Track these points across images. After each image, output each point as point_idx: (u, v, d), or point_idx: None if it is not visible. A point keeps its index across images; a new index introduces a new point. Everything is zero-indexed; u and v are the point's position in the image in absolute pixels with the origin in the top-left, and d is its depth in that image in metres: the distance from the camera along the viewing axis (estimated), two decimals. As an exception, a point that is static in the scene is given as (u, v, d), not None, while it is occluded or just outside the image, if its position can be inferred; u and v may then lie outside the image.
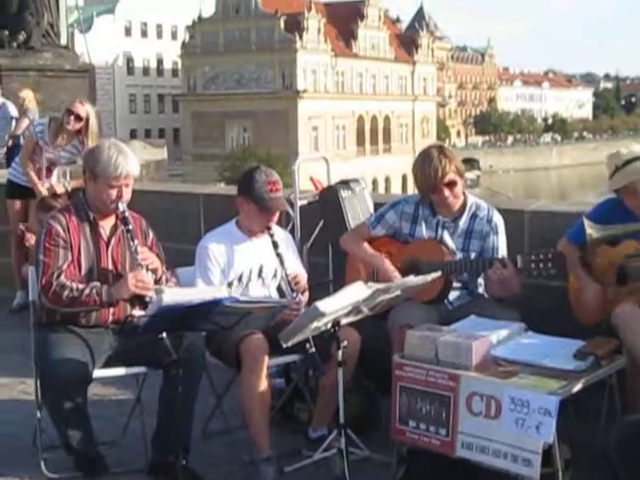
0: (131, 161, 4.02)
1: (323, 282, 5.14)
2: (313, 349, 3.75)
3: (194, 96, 69.26)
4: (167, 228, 5.02)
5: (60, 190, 6.84)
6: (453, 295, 4.36)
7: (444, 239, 4.35)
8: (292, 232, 5.14)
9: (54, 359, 3.82)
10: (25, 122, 10.70)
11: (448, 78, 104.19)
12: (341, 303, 3.48)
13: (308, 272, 4.56)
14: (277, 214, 4.33)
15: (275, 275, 4.39)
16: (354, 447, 4.00)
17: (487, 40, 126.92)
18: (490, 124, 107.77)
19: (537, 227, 4.81)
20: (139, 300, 4.01)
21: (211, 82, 69.08)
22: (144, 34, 79.68)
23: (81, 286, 3.92)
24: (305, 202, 5.50)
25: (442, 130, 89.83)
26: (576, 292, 4.23)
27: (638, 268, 3.97)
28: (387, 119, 76.54)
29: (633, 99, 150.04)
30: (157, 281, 4.07)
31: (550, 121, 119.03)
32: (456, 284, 4.35)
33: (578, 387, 3.39)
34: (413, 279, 3.82)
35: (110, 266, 4.05)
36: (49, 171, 7.03)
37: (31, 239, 6.53)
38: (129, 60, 78.13)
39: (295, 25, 66.24)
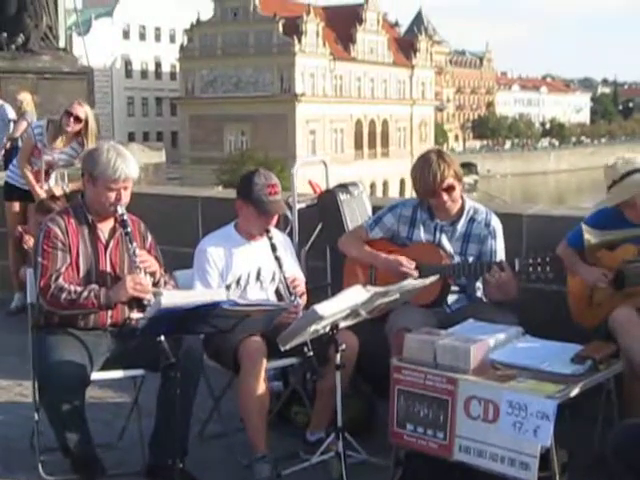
0: (130, 164, 4.03)
1: (321, 285, 5.14)
2: (311, 352, 3.75)
3: (192, 99, 69.25)
4: (165, 231, 5.02)
5: (59, 192, 6.84)
6: (451, 299, 4.36)
7: (442, 243, 4.35)
8: (290, 235, 5.15)
9: (52, 361, 3.82)
10: (23, 125, 10.70)
11: (446, 82, 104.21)
12: (339, 306, 3.49)
13: (306, 275, 4.56)
14: (276, 217, 4.33)
15: (273, 278, 4.39)
16: (352, 450, 4.00)
17: (485, 44, 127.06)
18: (488, 128, 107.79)
19: (535, 231, 4.82)
20: (137, 303, 4.02)
21: (209, 85, 69.08)
22: (142, 37, 79.66)
23: (79, 289, 3.92)
24: (303, 205, 5.50)
25: (440, 134, 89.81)
26: (574, 295, 4.24)
27: (636, 273, 3.98)
28: (385, 123, 76.55)
29: (631, 104, 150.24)
30: (155, 284, 4.08)
31: (548, 126, 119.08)
32: (454, 288, 4.35)
33: (576, 391, 3.39)
34: (411, 282, 3.82)
35: (108, 269, 4.05)
36: (47, 174, 7.03)
37: (29, 241, 6.53)
38: (127, 63, 78.08)
39: (293, 29, 66.24)
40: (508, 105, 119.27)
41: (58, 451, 4.03)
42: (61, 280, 3.92)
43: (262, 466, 3.95)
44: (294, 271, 4.39)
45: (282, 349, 3.63)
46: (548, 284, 4.21)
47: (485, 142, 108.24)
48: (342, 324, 3.69)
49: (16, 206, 7.25)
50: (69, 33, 17.96)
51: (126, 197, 4.05)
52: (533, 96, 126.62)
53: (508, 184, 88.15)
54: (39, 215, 6.25)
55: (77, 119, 6.80)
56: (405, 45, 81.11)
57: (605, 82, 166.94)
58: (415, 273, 4.22)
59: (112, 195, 4.00)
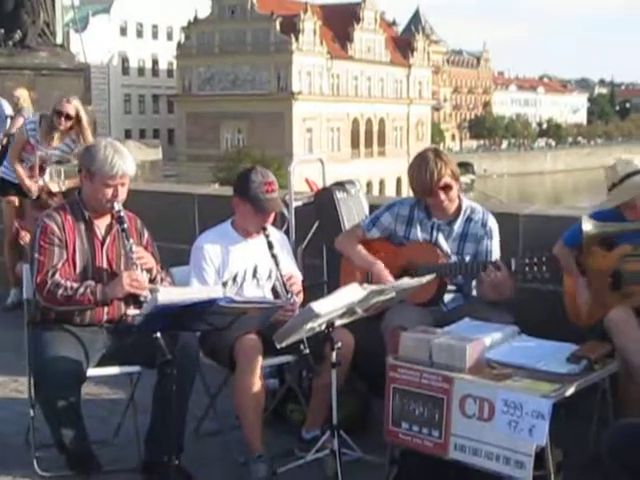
0: (127, 160, 4.03)
1: (318, 283, 5.14)
2: (307, 350, 3.76)
3: (189, 97, 69.25)
4: (162, 228, 5.01)
5: (54, 188, 6.83)
6: (447, 298, 4.36)
7: (439, 242, 4.35)
8: (287, 233, 5.14)
9: (48, 357, 3.82)
10: (20, 121, 10.63)
11: (443, 82, 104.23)
12: (335, 304, 3.49)
13: (303, 273, 4.56)
14: (272, 215, 4.34)
15: (270, 276, 4.39)
16: (347, 448, 4.01)
17: (483, 44, 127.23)
18: (485, 128, 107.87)
19: (532, 231, 4.82)
20: (134, 299, 4.02)
21: (206, 83, 69.06)
22: (139, 34, 79.55)
23: (76, 285, 3.92)
24: (300, 203, 5.50)
25: (437, 134, 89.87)
26: (570, 295, 4.24)
27: (633, 273, 3.98)
28: (382, 122, 76.56)
29: (627, 105, 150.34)
30: (152, 280, 4.08)
31: (545, 126, 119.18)
32: (450, 287, 4.36)
33: (571, 390, 3.40)
34: (408, 281, 3.83)
35: (105, 265, 4.05)
36: (42, 169, 7.02)
37: (26, 237, 6.53)
38: (124, 60, 77.96)
39: (291, 27, 66.22)
40: (505, 105, 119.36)
41: (53, 447, 4.03)
42: (57, 276, 3.92)
43: (258, 466, 3.96)
44: (290, 269, 4.39)
45: (278, 347, 3.63)
46: (544, 284, 4.22)
47: (482, 142, 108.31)
48: (338, 322, 3.70)
49: (13, 201, 7.24)
50: (66, 30, 17.91)
51: (123, 194, 4.05)
52: (530, 96, 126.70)
53: (505, 184, 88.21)
54: (36, 211, 6.26)
55: (68, 116, 6.79)
56: (402, 44, 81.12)
57: (602, 83, 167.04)
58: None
59: (109, 191, 4.00)
